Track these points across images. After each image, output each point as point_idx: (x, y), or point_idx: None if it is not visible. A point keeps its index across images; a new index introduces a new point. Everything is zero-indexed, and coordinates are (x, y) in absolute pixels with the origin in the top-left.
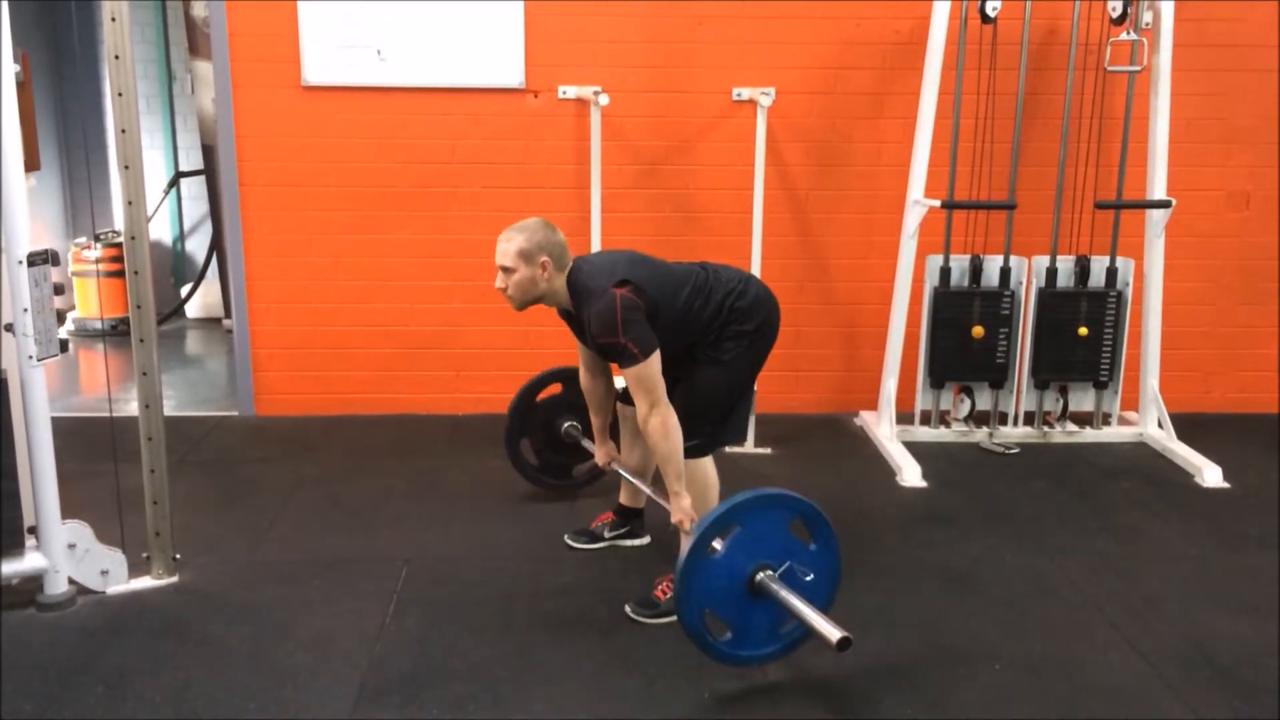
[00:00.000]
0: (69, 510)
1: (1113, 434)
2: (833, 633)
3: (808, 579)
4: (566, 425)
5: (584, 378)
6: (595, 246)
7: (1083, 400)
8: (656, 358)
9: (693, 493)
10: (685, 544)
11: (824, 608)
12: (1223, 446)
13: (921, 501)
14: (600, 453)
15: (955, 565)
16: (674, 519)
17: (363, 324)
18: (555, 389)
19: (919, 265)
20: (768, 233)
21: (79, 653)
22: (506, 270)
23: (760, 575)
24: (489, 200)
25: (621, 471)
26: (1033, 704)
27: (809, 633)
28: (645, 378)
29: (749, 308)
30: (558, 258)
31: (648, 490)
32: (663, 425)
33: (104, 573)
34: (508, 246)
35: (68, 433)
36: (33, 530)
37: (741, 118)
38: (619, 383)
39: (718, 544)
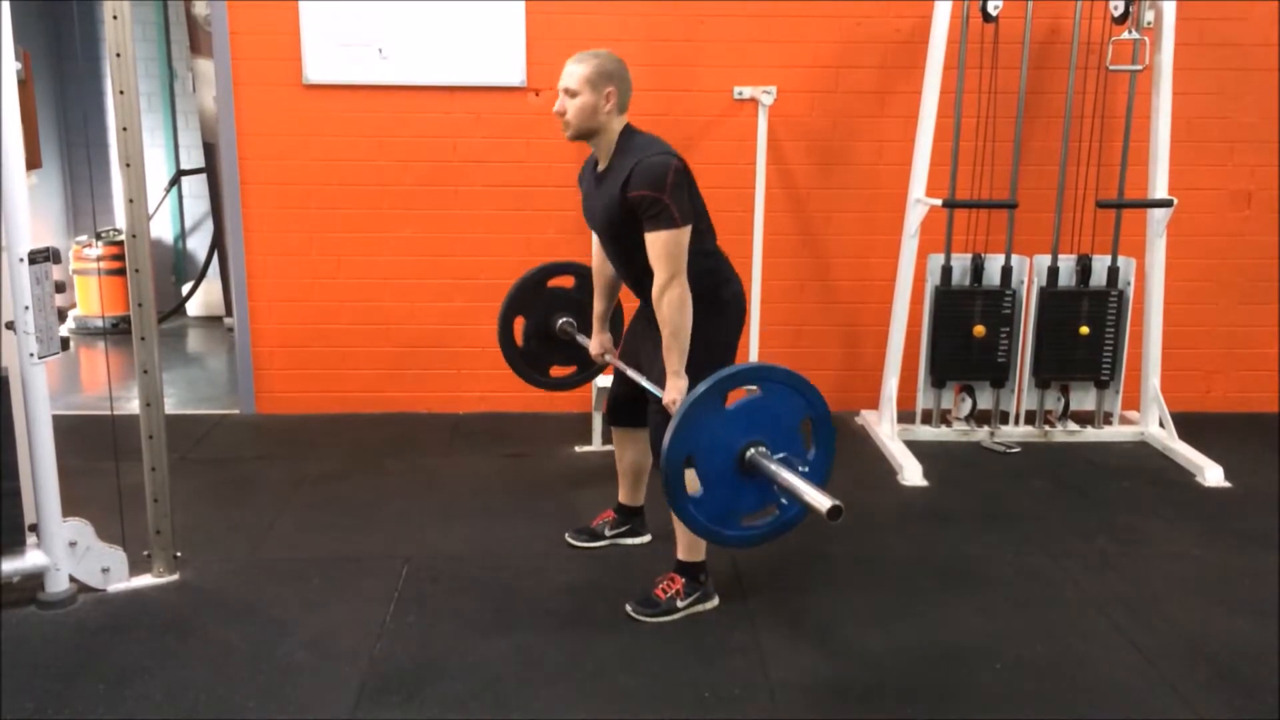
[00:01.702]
0: (70, 508)
1: (1114, 433)
2: (823, 501)
3: (802, 470)
4: (563, 321)
5: (596, 259)
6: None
7: (1084, 399)
8: (688, 233)
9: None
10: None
11: (825, 460)
12: (1224, 446)
13: (922, 500)
14: (596, 342)
15: (956, 564)
16: (666, 399)
17: (364, 322)
18: (568, 281)
19: (920, 264)
20: (769, 231)
21: (79, 651)
22: (570, 93)
23: (750, 452)
24: (490, 199)
25: (615, 363)
26: (1034, 703)
27: (787, 524)
28: (674, 245)
29: (729, 301)
30: (623, 95)
31: (642, 381)
32: (680, 299)
33: (105, 570)
34: (576, 69)
35: (69, 430)
36: (33, 528)
37: (743, 116)
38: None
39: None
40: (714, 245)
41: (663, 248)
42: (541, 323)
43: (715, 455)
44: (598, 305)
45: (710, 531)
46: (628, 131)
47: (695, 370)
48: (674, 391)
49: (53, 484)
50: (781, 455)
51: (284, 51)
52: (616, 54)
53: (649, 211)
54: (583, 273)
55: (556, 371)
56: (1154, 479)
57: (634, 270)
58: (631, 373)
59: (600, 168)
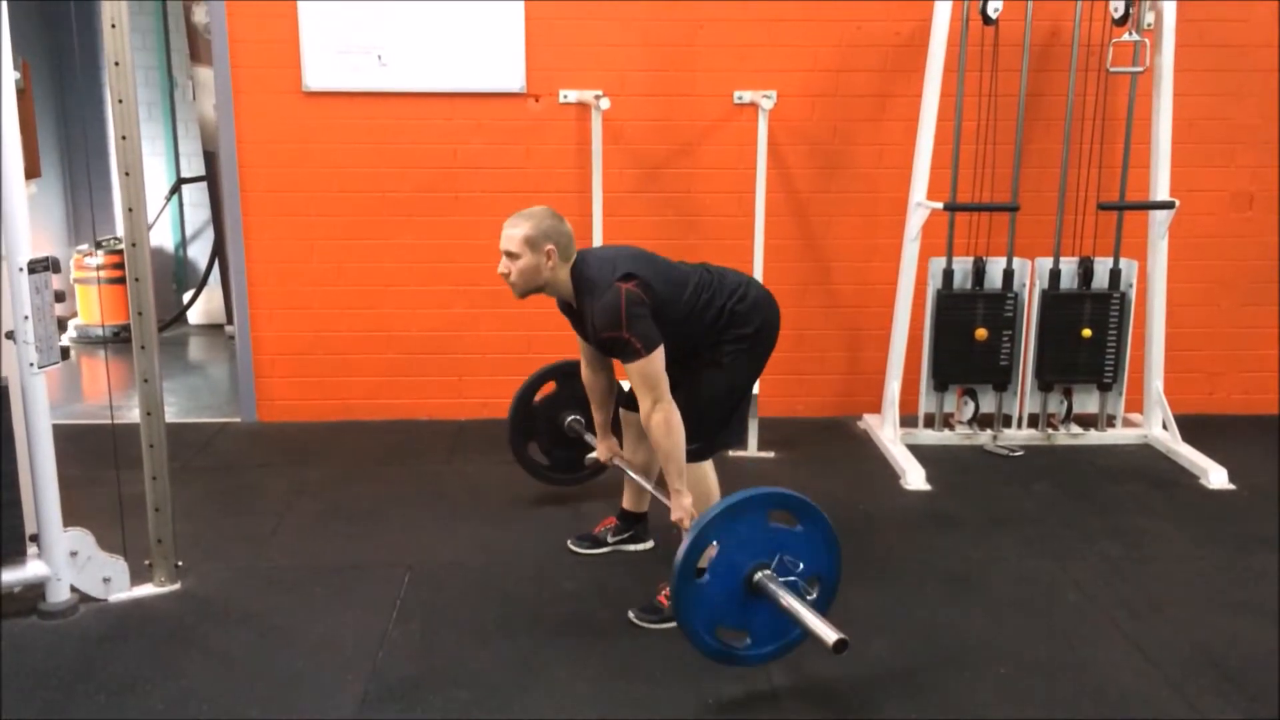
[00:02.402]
0: (71, 518)
1: (1117, 436)
2: (829, 635)
3: (799, 569)
4: (569, 420)
5: (585, 373)
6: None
7: (1087, 402)
8: (660, 353)
9: (693, 496)
10: (684, 544)
11: (832, 572)
12: (1228, 448)
13: (925, 504)
14: (602, 448)
15: (959, 568)
16: (674, 517)
17: (365, 329)
18: (550, 388)
19: (922, 268)
20: (770, 236)
21: (81, 661)
22: (511, 255)
23: (758, 575)
24: (490, 205)
25: (624, 468)
26: (1038, 707)
27: (799, 639)
28: (649, 373)
29: (749, 311)
30: (564, 248)
31: (650, 488)
32: (665, 422)
33: (106, 580)
34: (513, 232)
35: (69, 440)
36: (34, 538)
37: (743, 121)
38: (624, 384)
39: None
40: (706, 295)
41: (638, 377)
42: (552, 432)
43: (733, 608)
44: (596, 416)
45: (725, 655)
46: (578, 268)
47: (742, 391)
48: (679, 510)
49: (53, 494)
50: (776, 560)
51: (283, 59)
52: (616, 56)
53: (617, 348)
54: (561, 373)
55: (590, 459)
56: (1157, 481)
57: None
58: (639, 480)
59: (573, 305)
